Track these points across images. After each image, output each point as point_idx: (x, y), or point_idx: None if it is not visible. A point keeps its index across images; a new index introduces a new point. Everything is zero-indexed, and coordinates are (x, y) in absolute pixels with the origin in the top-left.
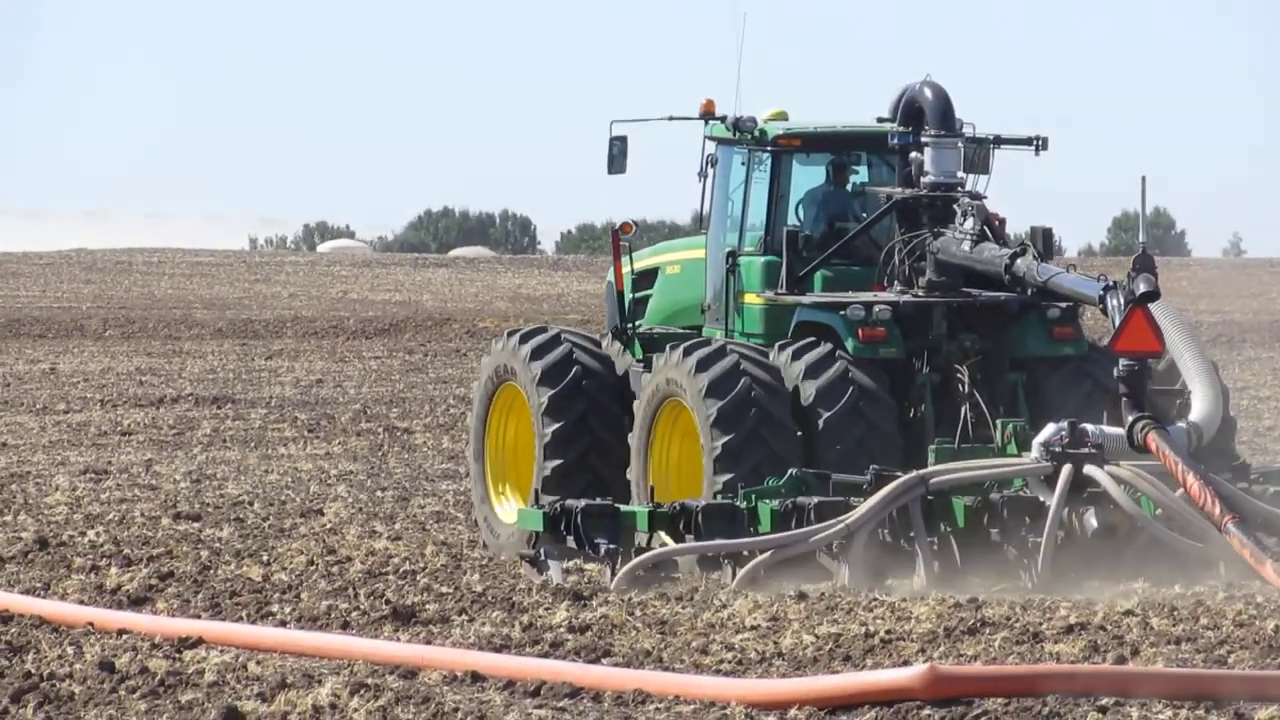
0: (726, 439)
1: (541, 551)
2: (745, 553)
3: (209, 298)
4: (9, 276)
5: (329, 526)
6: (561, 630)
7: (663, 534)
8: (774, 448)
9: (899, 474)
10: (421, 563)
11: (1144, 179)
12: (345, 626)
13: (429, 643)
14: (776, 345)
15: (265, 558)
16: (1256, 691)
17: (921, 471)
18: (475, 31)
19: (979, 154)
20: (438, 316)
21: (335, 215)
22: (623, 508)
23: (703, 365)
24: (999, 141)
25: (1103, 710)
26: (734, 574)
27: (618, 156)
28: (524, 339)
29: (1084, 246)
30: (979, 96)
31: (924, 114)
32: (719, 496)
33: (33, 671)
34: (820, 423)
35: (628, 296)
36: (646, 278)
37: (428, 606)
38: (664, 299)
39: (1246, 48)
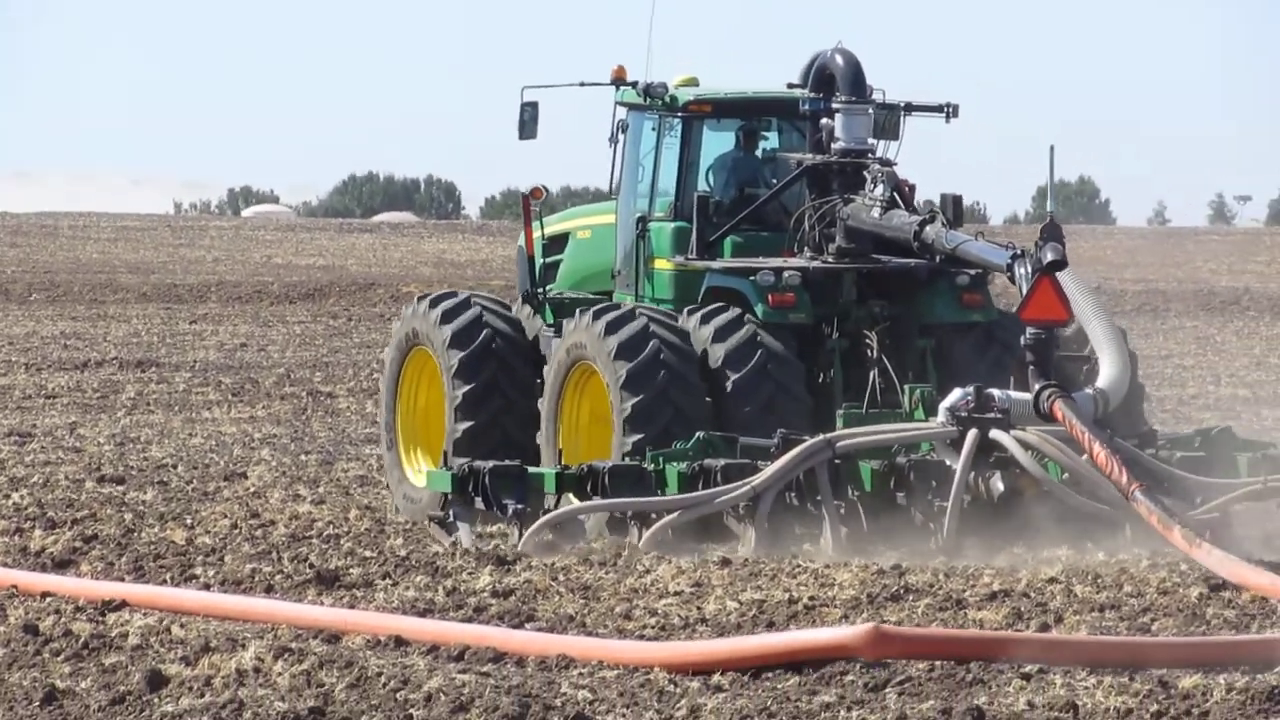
0: (636, 400)
1: (451, 513)
2: (653, 514)
3: (134, 262)
4: None
5: (252, 490)
6: (485, 595)
7: (570, 495)
8: (683, 408)
9: (806, 438)
10: (345, 527)
11: (1052, 148)
12: (269, 590)
13: (352, 607)
14: (686, 310)
15: (189, 521)
16: (1184, 659)
17: (828, 435)
18: None
19: (890, 120)
20: (362, 282)
21: (260, 180)
22: (531, 469)
23: (612, 328)
24: (910, 108)
25: (1026, 678)
26: (640, 535)
27: (528, 122)
28: (434, 303)
29: (1009, 215)
30: (896, 64)
31: (835, 80)
32: (628, 458)
33: None
34: (729, 384)
35: (538, 261)
36: (558, 243)
37: (351, 571)
38: (575, 264)
39: (1183, 14)
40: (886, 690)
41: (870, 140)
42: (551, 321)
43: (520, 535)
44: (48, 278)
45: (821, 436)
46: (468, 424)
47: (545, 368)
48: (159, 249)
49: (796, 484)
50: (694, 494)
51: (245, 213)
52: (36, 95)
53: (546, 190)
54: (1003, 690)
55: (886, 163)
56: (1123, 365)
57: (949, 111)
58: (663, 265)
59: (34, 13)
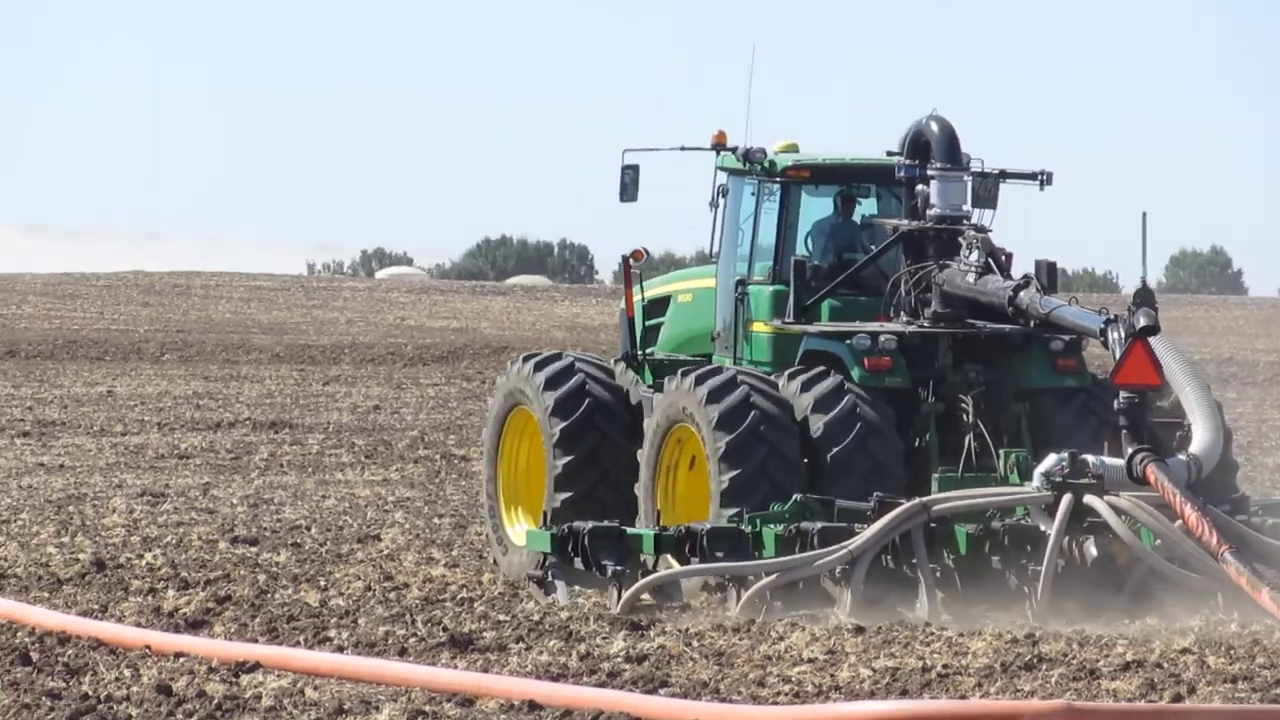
0: (734, 474)
1: (549, 573)
2: (750, 577)
3: (267, 322)
4: (67, 298)
5: (386, 552)
6: (619, 660)
7: (669, 557)
8: (780, 483)
9: (902, 501)
10: (479, 590)
11: (1144, 215)
12: (402, 653)
13: (486, 670)
14: (786, 374)
15: (323, 583)
16: None
17: (924, 499)
18: (530, 64)
19: (985, 188)
20: (495, 344)
21: (393, 242)
22: (629, 530)
23: (714, 396)
24: (1004, 176)
25: None
26: (738, 598)
27: (629, 185)
28: (538, 366)
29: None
30: (1024, 132)
31: (930, 147)
32: (725, 501)
33: (90, 694)
34: (828, 458)
35: (639, 323)
36: (659, 305)
37: (485, 634)
38: (676, 327)
39: None
40: None
41: (965, 207)
42: (651, 383)
43: (619, 597)
44: (180, 337)
45: (917, 500)
46: (567, 494)
47: (645, 426)
48: (292, 309)
49: (892, 547)
50: (791, 557)
51: (379, 274)
52: (171, 157)
53: (648, 253)
54: None
55: (981, 229)
56: (1216, 431)
57: (1043, 179)
58: (761, 328)
59: (175, 76)
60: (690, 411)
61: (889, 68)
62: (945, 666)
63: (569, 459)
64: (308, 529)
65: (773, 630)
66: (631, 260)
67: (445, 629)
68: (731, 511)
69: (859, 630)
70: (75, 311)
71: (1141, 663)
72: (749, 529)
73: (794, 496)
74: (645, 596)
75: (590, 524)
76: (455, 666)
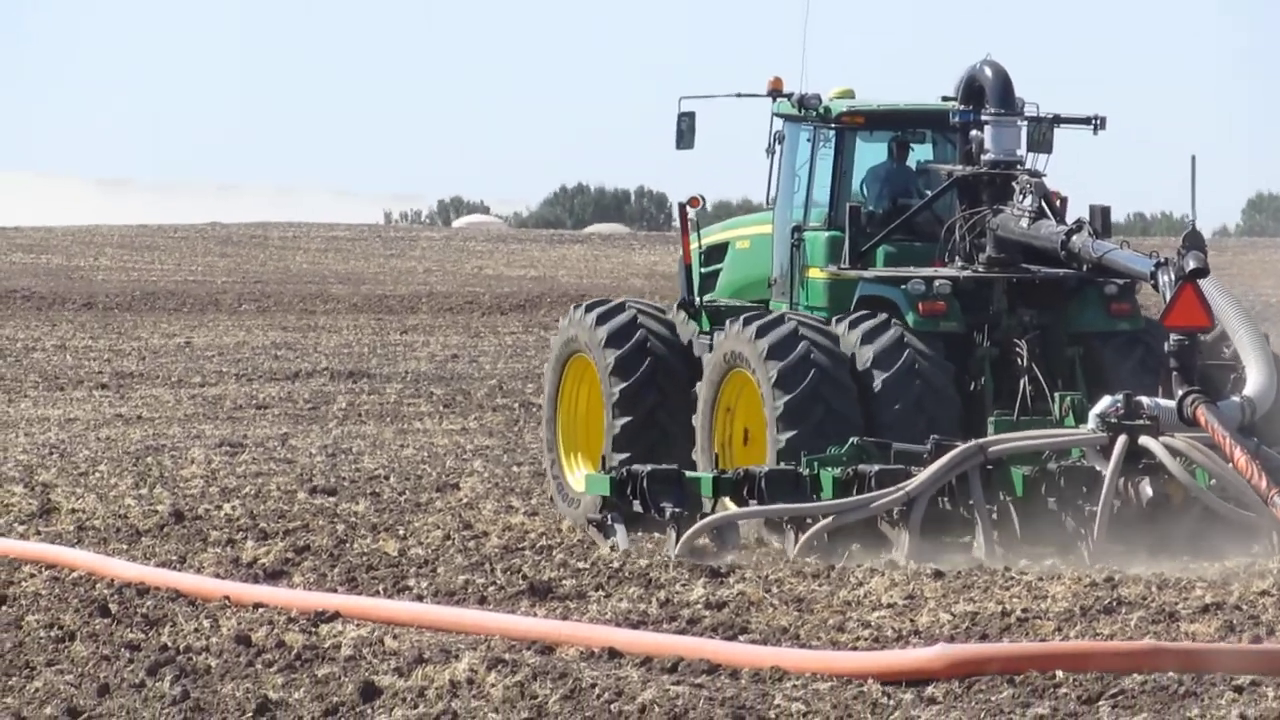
0: (788, 398)
1: (608, 516)
2: (808, 519)
3: (344, 272)
4: (144, 250)
5: (465, 501)
6: (698, 607)
7: (727, 499)
8: (834, 406)
9: (958, 443)
10: (558, 538)
11: (1193, 158)
12: (482, 601)
13: (565, 618)
14: (835, 318)
15: (401, 532)
16: None
17: (980, 440)
18: (605, 10)
19: (1039, 133)
20: (573, 293)
21: (470, 191)
22: (688, 473)
23: (763, 331)
24: (1058, 121)
25: (1239, 690)
26: (796, 539)
27: (686, 132)
28: (600, 320)
29: (1218, 228)
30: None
31: (984, 92)
32: (781, 456)
33: (169, 645)
34: (878, 384)
35: (696, 270)
36: (717, 252)
37: (564, 582)
38: (733, 273)
39: None
40: (1100, 703)
41: (1019, 152)
42: (707, 329)
43: (677, 539)
44: (258, 288)
45: (974, 442)
46: (625, 419)
47: (702, 373)
48: (369, 259)
49: (949, 489)
50: (849, 499)
51: (456, 223)
52: (247, 108)
53: (704, 200)
54: (1214, 703)
55: (1035, 174)
56: (1270, 373)
57: (1097, 124)
58: (816, 274)
59: (248, 27)
60: (742, 353)
61: (945, 14)
62: (1025, 610)
63: (628, 419)
64: (386, 478)
65: (852, 576)
66: (688, 206)
67: (524, 577)
68: (789, 435)
69: (938, 575)
70: (153, 263)
71: (1220, 605)
72: (807, 472)
73: (851, 440)
74: (702, 539)
75: (649, 467)
76: (534, 614)
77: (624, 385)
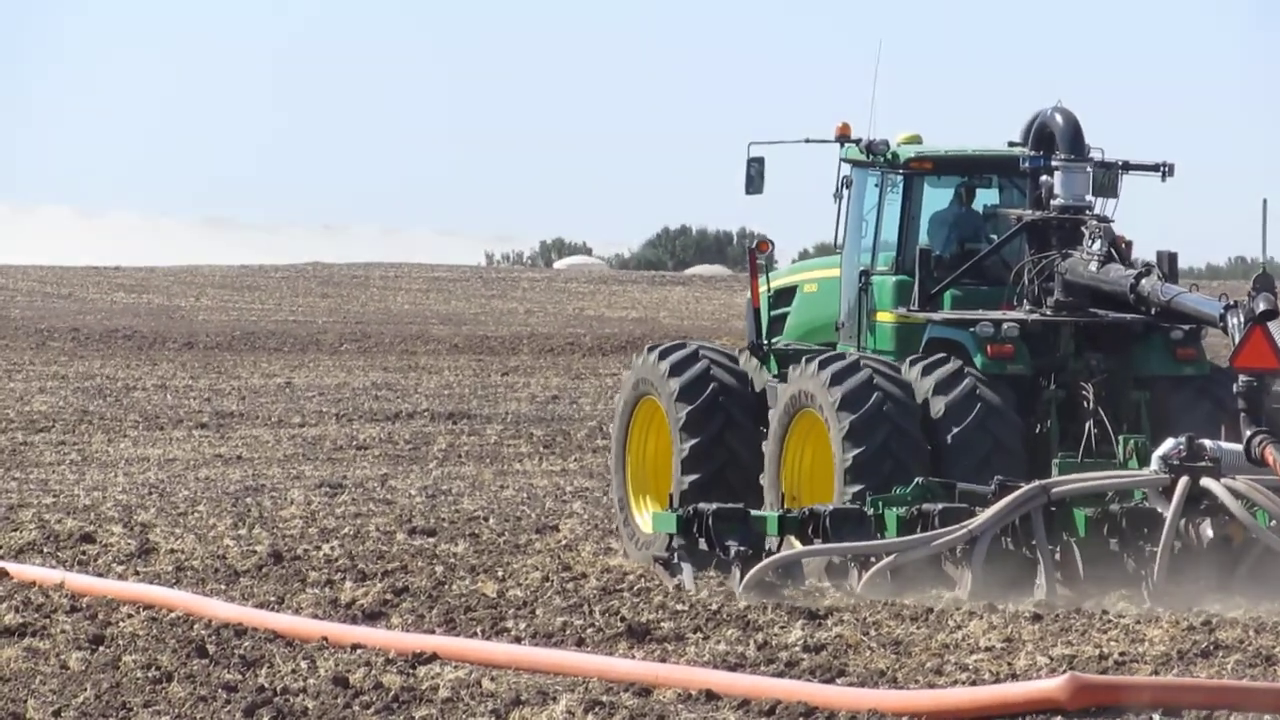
0: (858, 451)
1: (675, 554)
2: (872, 557)
3: (445, 313)
4: (246, 290)
5: (564, 543)
6: (796, 649)
7: (792, 538)
8: (903, 461)
9: (1022, 484)
10: (656, 580)
11: (1265, 202)
12: (580, 643)
13: (663, 660)
14: (908, 360)
15: (500, 573)
16: None
17: (1043, 481)
18: (707, 54)
19: (1107, 178)
20: (675, 334)
21: (572, 232)
22: (754, 512)
23: (837, 379)
24: (1127, 167)
25: None
26: (859, 577)
27: (755, 178)
28: (663, 355)
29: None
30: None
31: (1054, 139)
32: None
33: (266, 686)
34: (949, 438)
35: (764, 313)
36: (785, 295)
37: (662, 624)
38: (801, 316)
39: None
40: None
41: (1088, 197)
42: (777, 372)
43: (742, 577)
44: (359, 328)
45: (1037, 483)
46: (694, 477)
47: (770, 413)
48: (470, 300)
49: (1012, 529)
50: (912, 537)
51: (557, 264)
52: (351, 149)
53: (772, 244)
54: None
55: (1104, 219)
56: None
57: (1165, 171)
58: (885, 317)
59: (350, 68)
60: (814, 395)
61: (1012, 60)
62: (1123, 654)
63: (695, 441)
64: (485, 519)
65: (950, 618)
66: (756, 251)
67: (623, 619)
68: (855, 489)
69: (1036, 618)
70: (253, 303)
71: None
72: (872, 511)
73: (916, 479)
74: (768, 577)
75: (715, 505)
76: (633, 656)
77: (694, 442)
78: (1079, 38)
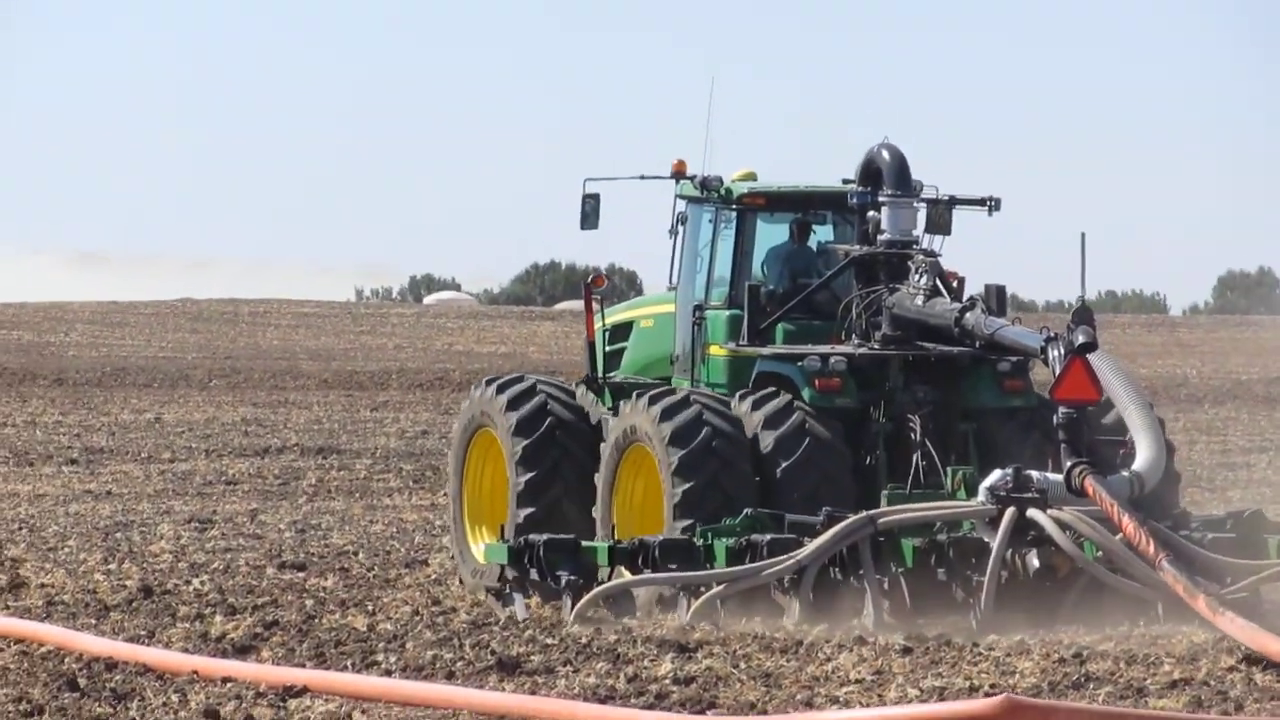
0: (687, 486)
1: (507, 585)
2: (701, 587)
3: (314, 348)
4: (115, 326)
5: (434, 577)
6: (666, 681)
7: (622, 568)
8: (732, 495)
9: (850, 515)
10: (526, 614)
11: (1083, 235)
12: (450, 677)
13: (534, 693)
14: (737, 395)
15: (370, 607)
16: None
17: (871, 512)
18: (585, 88)
19: (941, 215)
20: (544, 369)
21: (441, 268)
22: (584, 543)
23: (667, 414)
24: (954, 202)
25: None
26: (689, 607)
27: (590, 214)
28: (500, 389)
29: (1189, 305)
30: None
31: (881, 174)
32: None
33: (137, 719)
34: (778, 471)
35: (600, 347)
36: (623, 330)
37: (532, 657)
38: (638, 351)
39: None
40: None
41: (915, 232)
42: (611, 405)
43: (572, 606)
44: (228, 364)
45: (865, 513)
46: (529, 510)
47: (603, 446)
48: (340, 335)
49: (840, 559)
50: (740, 568)
51: (427, 300)
52: (218, 183)
53: (608, 278)
54: None
55: (930, 254)
56: (1158, 448)
57: (991, 205)
58: (717, 351)
59: (217, 99)
60: (645, 430)
61: (850, 97)
62: (993, 686)
63: (531, 475)
64: (355, 554)
65: (820, 651)
66: (592, 285)
67: (493, 652)
68: (685, 523)
69: (906, 650)
70: (123, 339)
71: (1189, 680)
72: (701, 541)
73: (745, 511)
74: (598, 608)
75: (546, 536)
76: (503, 689)
77: (530, 476)
78: (921, 75)
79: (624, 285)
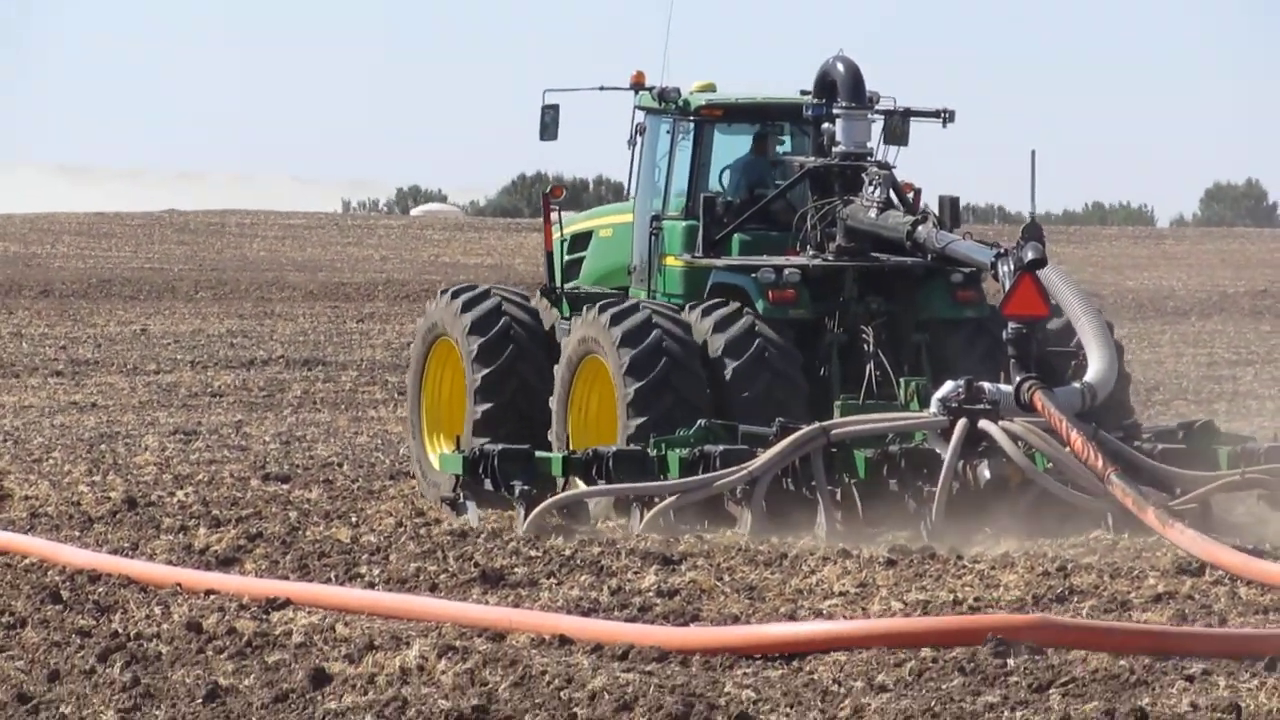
0: (639, 385)
1: (461, 494)
2: (654, 497)
3: (301, 260)
4: (102, 237)
5: (418, 489)
6: (650, 594)
7: (577, 479)
8: (684, 393)
9: (803, 426)
10: (510, 526)
11: (1033, 153)
12: (433, 589)
13: (517, 605)
14: (689, 305)
15: (354, 519)
16: None
17: (824, 423)
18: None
19: (896, 126)
20: (530, 280)
21: (428, 179)
22: (539, 453)
23: (616, 319)
24: (908, 113)
25: (1190, 679)
26: (641, 517)
27: (549, 124)
28: (455, 294)
29: (1175, 217)
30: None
31: (836, 86)
32: (631, 442)
33: (120, 631)
34: (728, 372)
35: (558, 258)
36: (581, 240)
37: (516, 570)
38: (596, 261)
39: None
40: (1050, 691)
41: (869, 144)
42: (568, 315)
43: (526, 516)
44: (214, 275)
45: (817, 424)
46: (486, 406)
47: (558, 359)
48: (326, 247)
49: (793, 470)
50: (693, 478)
51: (413, 212)
52: (206, 95)
53: (566, 189)
54: (1166, 692)
55: (885, 166)
56: (1110, 360)
57: (945, 117)
58: (673, 262)
59: (207, 13)
60: (597, 339)
61: (813, 8)
62: (977, 599)
63: (487, 371)
64: (340, 466)
65: (804, 564)
66: (550, 196)
67: (476, 564)
68: (638, 422)
69: (890, 563)
70: (110, 251)
71: (1173, 594)
72: (654, 452)
73: (698, 421)
74: (552, 517)
75: (500, 446)
76: (486, 602)
77: (486, 371)
78: None
79: (611, 196)
